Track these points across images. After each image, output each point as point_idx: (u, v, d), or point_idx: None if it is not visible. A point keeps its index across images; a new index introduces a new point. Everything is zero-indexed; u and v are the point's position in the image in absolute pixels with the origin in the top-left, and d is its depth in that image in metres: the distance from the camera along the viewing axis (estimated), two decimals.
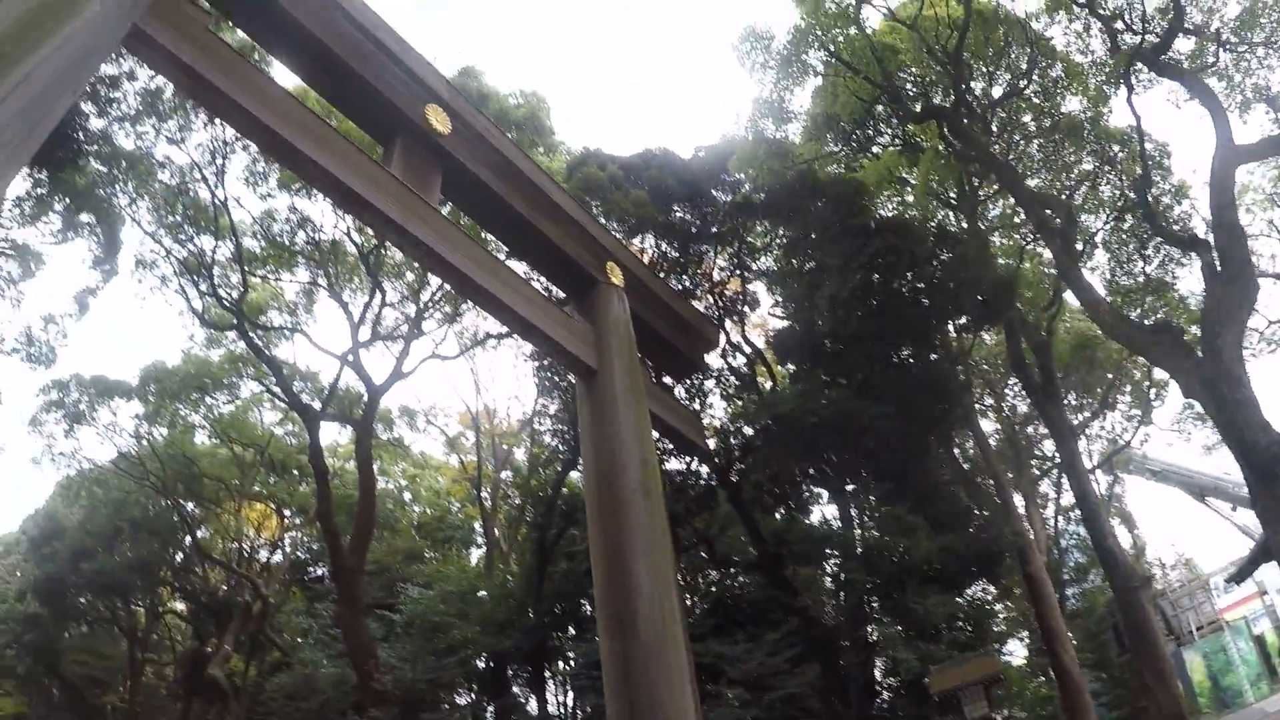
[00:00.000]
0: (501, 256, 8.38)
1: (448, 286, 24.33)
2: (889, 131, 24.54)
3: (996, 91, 22.37)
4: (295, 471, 35.97)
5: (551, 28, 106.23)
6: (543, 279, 9.24)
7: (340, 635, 23.50)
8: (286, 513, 38.10)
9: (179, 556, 38.64)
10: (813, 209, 20.01)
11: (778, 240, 22.78)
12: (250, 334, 26.26)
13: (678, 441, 8.14)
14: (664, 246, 21.27)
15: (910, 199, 24.78)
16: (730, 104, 69.62)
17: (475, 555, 36.83)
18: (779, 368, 23.49)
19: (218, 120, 22.55)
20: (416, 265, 24.68)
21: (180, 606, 41.67)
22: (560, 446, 23.79)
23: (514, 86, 26.01)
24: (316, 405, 26.52)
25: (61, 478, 36.85)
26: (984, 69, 22.11)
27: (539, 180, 6.50)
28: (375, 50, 5.47)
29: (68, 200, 24.03)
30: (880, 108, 23.20)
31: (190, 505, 36.38)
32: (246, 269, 25.59)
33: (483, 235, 11.30)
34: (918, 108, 21.99)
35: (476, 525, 35.97)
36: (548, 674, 25.12)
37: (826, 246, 19.78)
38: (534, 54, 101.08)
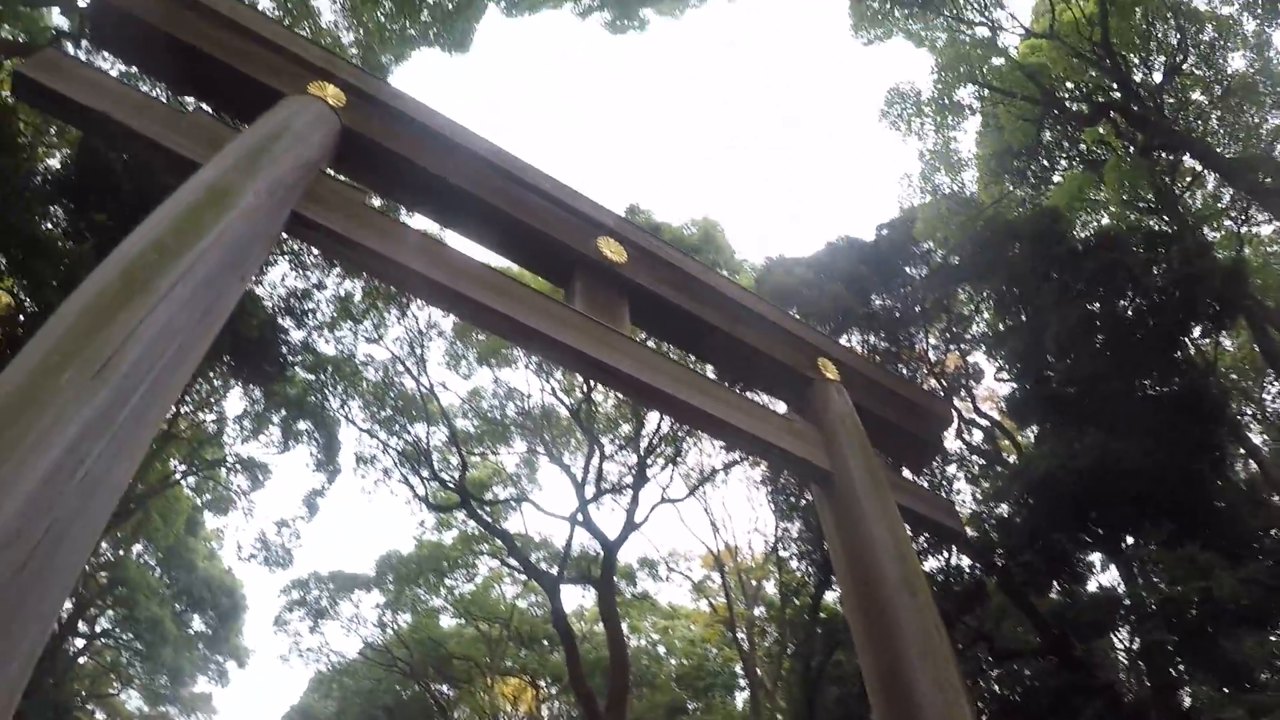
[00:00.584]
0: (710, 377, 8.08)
1: (666, 425, 24.40)
2: (1064, 156, 23.49)
3: (1157, 77, 21.16)
4: (544, 641, 36.24)
5: (704, 154, 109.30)
6: (756, 392, 8.88)
7: None
8: (541, 683, 38.36)
9: None
10: (1012, 254, 19.00)
11: (984, 301, 21.82)
12: (478, 511, 26.95)
13: (934, 530, 7.38)
14: (870, 339, 20.63)
15: (1105, 219, 23.46)
16: (896, 173, 69.01)
17: (740, 699, 35.72)
18: (1020, 436, 22.12)
19: (410, 310, 23.84)
20: (630, 414, 24.90)
21: None
22: (809, 568, 22.90)
23: (684, 217, 26.55)
24: (554, 571, 26.70)
25: (312, 673, 38.74)
26: (1137, 59, 20.99)
27: (727, 290, 6.17)
28: (540, 200, 5.43)
29: (283, 411, 25.83)
30: (1048, 133, 22.28)
31: (443, 687, 37.13)
32: (463, 449, 26.48)
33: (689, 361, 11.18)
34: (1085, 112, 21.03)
35: (737, 668, 34.96)
36: None
37: (1037, 289, 18.66)
38: (692, 181, 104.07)
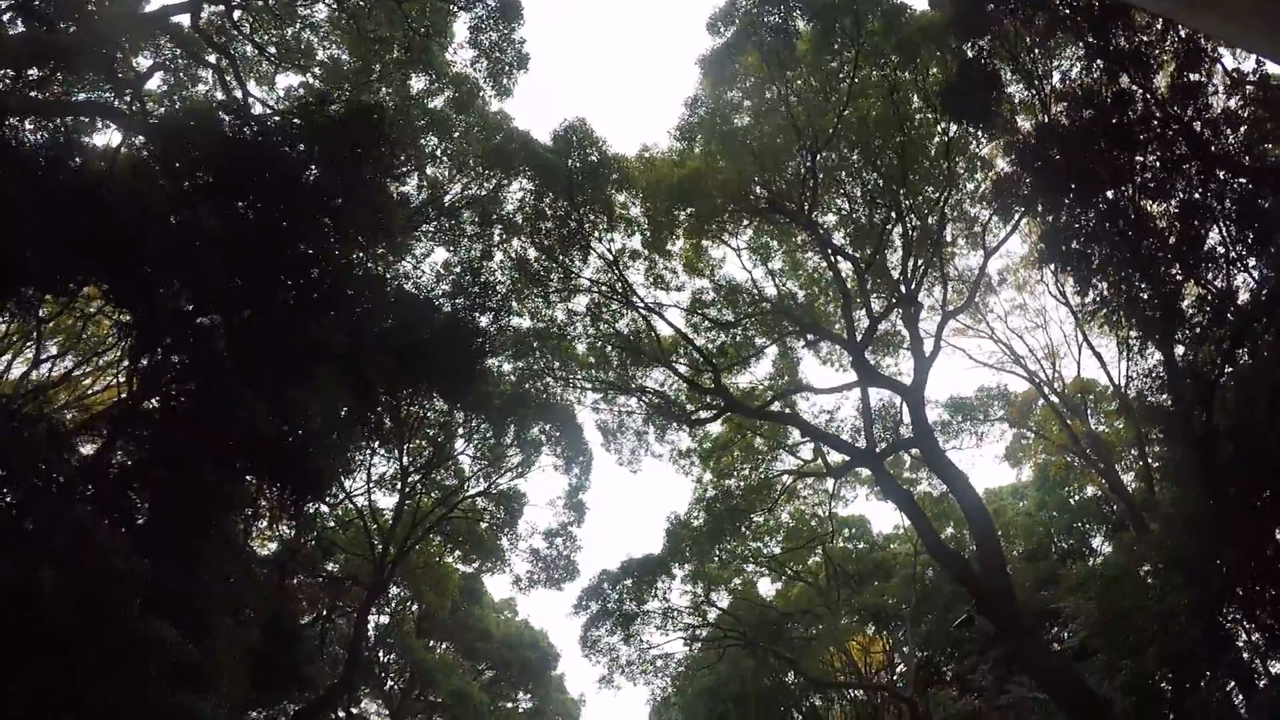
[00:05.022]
0: None
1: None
2: None
3: None
4: (875, 582, 35.12)
5: None
6: None
7: None
8: (884, 632, 37.41)
9: None
10: None
11: None
12: (750, 409, 25.31)
13: None
14: None
15: None
16: None
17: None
18: None
19: (594, 246, 22.26)
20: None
21: None
22: (1136, 325, 18.94)
23: None
24: (862, 445, 24.39)
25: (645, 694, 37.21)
26: None
27: None
28: None
29: (511, 426, 27.11)
30: None
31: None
32: (714, 360, 24.79)
33: None
34: None
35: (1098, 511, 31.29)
36: None
37: None
38: None
